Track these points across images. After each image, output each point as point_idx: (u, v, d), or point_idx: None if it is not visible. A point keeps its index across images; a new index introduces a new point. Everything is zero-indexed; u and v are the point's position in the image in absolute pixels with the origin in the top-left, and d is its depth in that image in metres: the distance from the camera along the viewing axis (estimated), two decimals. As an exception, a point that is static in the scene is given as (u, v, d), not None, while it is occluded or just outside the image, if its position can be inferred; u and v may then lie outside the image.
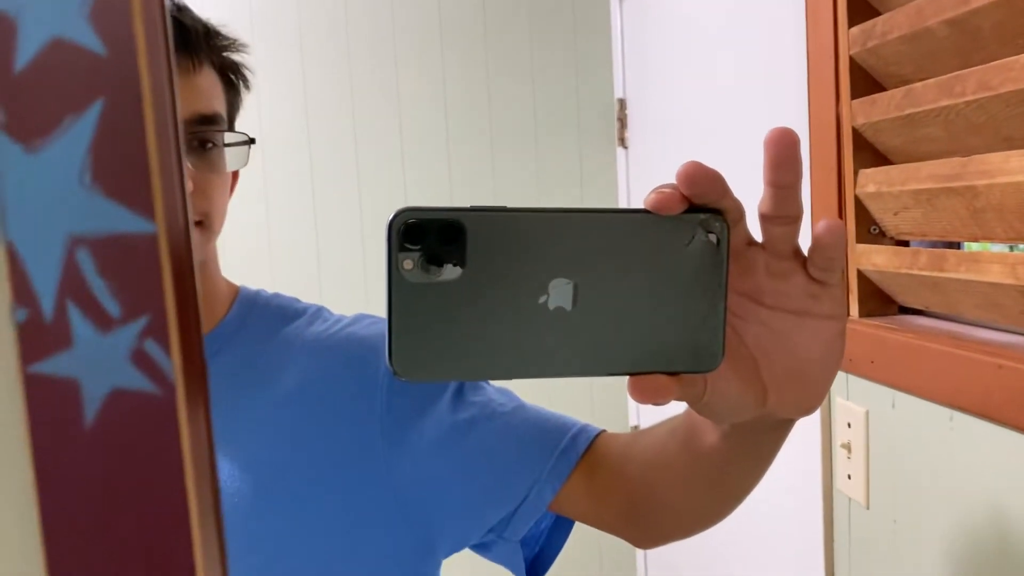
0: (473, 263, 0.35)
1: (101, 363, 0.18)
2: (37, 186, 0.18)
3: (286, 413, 0.70)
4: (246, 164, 0.72)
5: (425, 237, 0.35)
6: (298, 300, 0.80)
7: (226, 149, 0.70)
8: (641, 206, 0.37)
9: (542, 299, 0.36)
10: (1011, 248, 0.83)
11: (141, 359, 0.18)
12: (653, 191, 0.37)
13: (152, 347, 0.18)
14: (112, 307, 0.18)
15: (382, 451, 0.69)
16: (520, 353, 0.37)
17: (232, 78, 0.73)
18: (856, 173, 0.91)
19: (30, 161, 0.18)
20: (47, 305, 0.18)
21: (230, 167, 0.71)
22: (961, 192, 0.74)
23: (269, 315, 0.77)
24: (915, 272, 0.83)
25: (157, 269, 0.18)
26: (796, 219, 0.40)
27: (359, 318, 0.78)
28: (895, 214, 0.87)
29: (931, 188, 0.78)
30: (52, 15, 0.18)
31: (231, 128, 0.72)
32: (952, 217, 0.78)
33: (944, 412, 0.79)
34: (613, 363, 0.38)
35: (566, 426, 0.70)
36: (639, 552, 1.97)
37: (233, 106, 0.74)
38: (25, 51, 0.18)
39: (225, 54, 0.71)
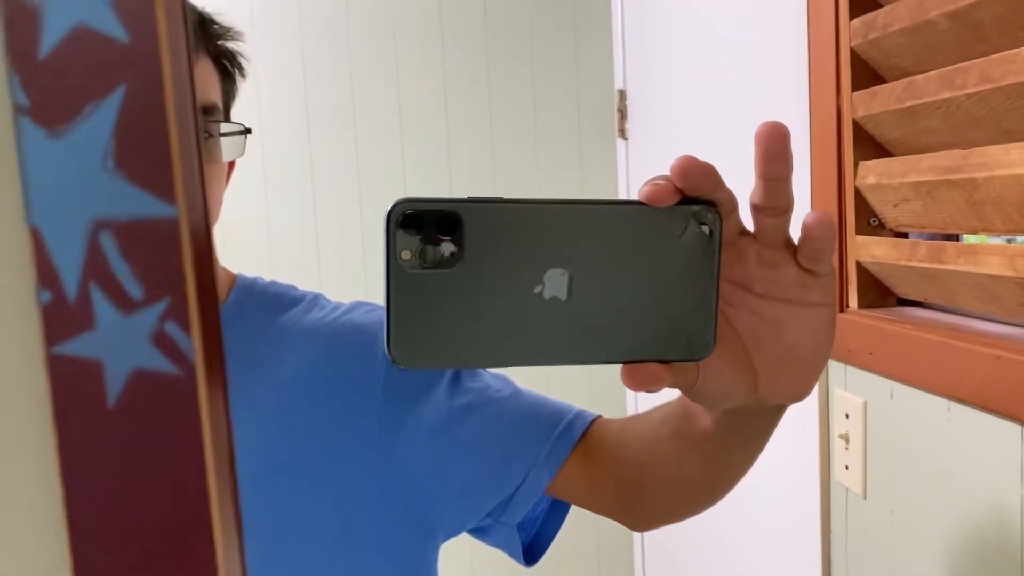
0: (470, 253, 0.36)
1: (123, 344, 0.19)
2: (61, 170, 0.18)
3: (284, 401, 0.71)
4: (242, 154, 0.71)
5: (423, 227, 0.35)
6: (295, 287, 0.80)
7: (222, 139, 0.69)
8: (636, 198, 0.38)
9: (538, 289, 0.37)
10: (1009, 240, 0.83)
11: (162, 340, 0.19)
12: (647, 183, 0.38)
13: (173, 329, 0.19)
14: (134, 289, 0.19)
15: (380, 438, 0.70)
16: (516, 342, 0.37)
17: (228, 67, 0.72)
18: (856, 165, 0.92)
19: (54, 146, 0.18)
20: (71, 287, 0.18)
21: (226, 157, 0.70)
22: (961, 184, 0.74)
23: (266, 302, 0.77)
24: (914, 264, 0.83)
25: (178, 252, 0.19)
26: (787, 210, 0.41)
27: (356, 305, 0.78)
28: (895, 206, 0.88)
29: (931, 180, 0.78)
30: (76, 3, 0.18)
31: (227, 118, 0.72)
32: (951, 209, 0.78)
33: (942, 403, 0.79)
34: (607, 351, 0.39)
35: (562, 412, 0.71)
36: (636, 537, 1.98)
37: (229, 95, 0.73)
38: (49, 38, 0.18)
39: (220, 43, 0.70)
